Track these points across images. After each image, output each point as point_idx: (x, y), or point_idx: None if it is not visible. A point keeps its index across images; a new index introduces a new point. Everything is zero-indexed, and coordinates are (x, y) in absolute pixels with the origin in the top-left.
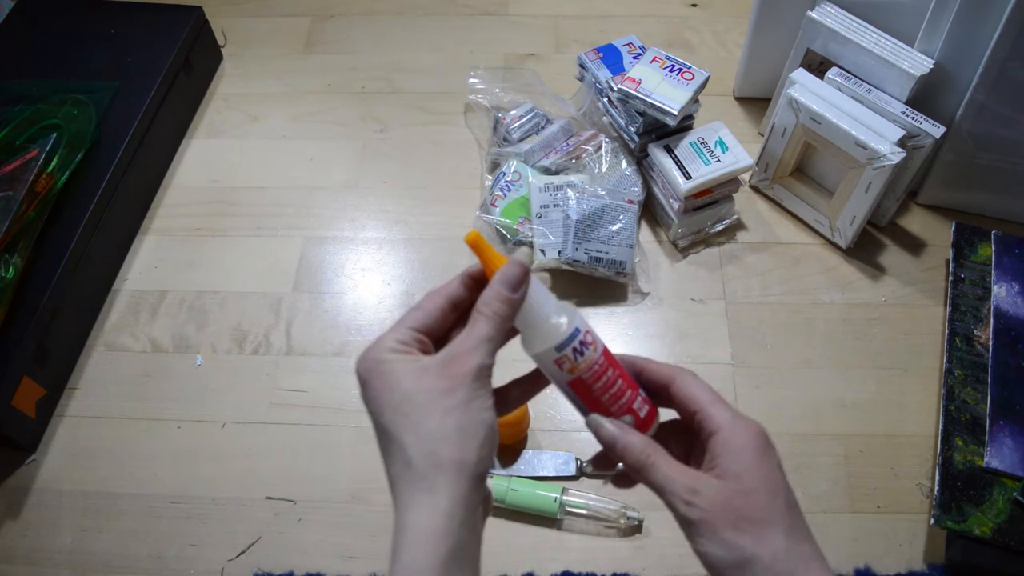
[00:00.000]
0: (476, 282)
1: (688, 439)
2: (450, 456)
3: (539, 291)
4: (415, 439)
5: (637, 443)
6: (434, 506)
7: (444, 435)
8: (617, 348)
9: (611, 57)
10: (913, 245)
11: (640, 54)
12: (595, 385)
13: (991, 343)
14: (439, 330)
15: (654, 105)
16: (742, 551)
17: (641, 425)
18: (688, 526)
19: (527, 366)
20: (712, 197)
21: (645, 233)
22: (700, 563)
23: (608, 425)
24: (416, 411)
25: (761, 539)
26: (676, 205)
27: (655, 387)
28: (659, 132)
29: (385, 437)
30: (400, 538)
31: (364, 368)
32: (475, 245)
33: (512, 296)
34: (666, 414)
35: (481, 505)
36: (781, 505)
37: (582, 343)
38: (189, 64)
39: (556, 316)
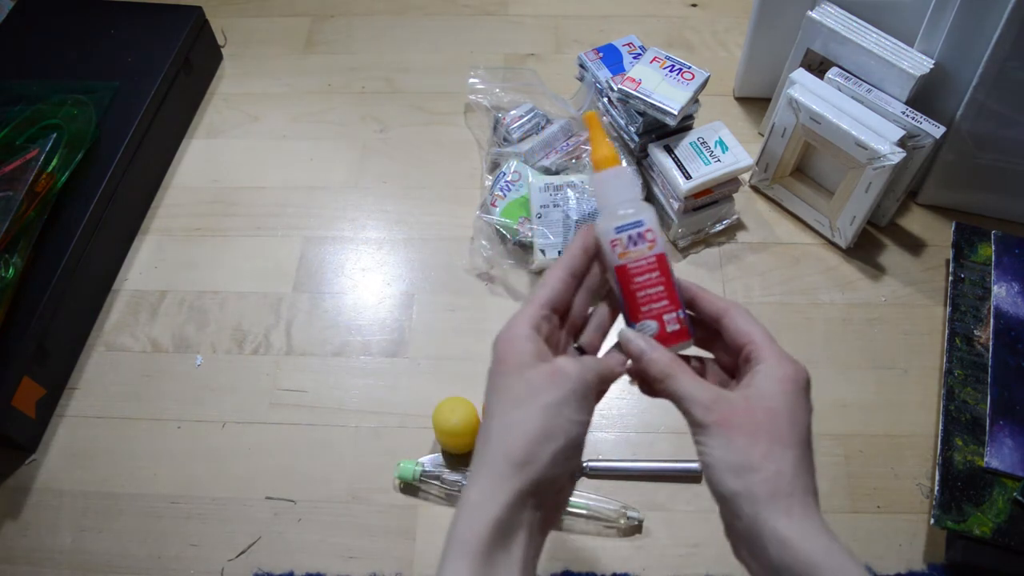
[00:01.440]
0: (588, 256)
1: (726, 378)
2: (519, 452)
3: (627, 180)
4: (500, 425)
5: (661, 357)
6: (492, 492)
7: (523, 431)
8: None
9: (611, 57)
10: (913, 245)
11: (640, 54)
12: (636, 278)
13: (991, 343)
14: (564, 302)
15: (654, 105)
16: (748, 456)
17: (663, 338)
18: (703, 431)
19: None
20: (712, 197)
21: None
22: (702, 470)
23: (636, 339)
24: (509, 406)
25: (770, 454)
26: (676, 205)
27: (707, 318)
28: (659, 132)
29: (484, 414)
30: (458, 512)
31: (497, 348)
32: (590, 122)
33: (645, 357)
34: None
35: (542, 510)
36: (799, 437)
37: (640, 235)
38: (189, 64)
39: (629, 205)
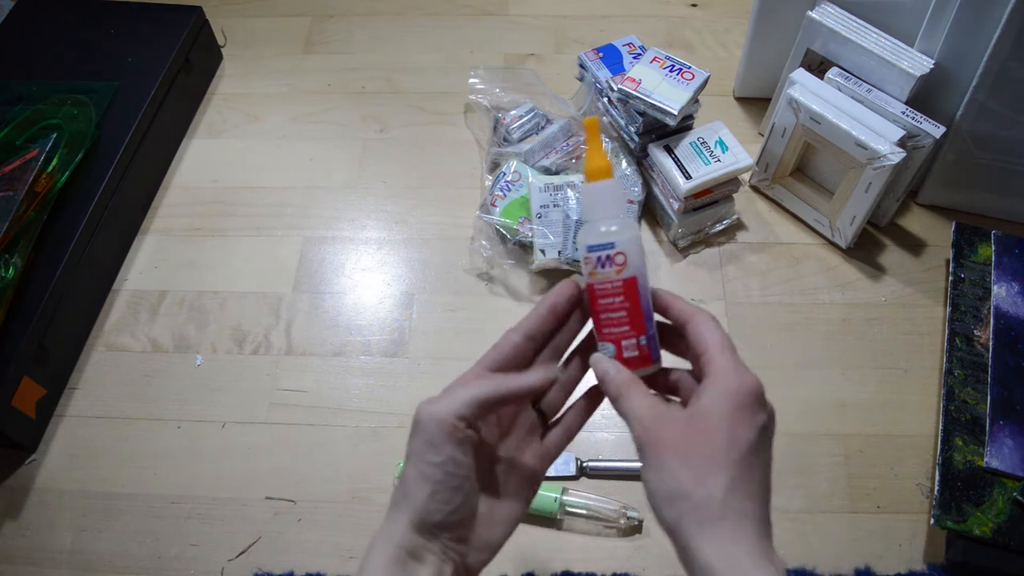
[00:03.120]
0: (556, 316)
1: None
2: (400, 501)
3: (614, 196)
4: (398, 483)
5: (617, 377)
6: (388, 539)
7: (404, 482)
8: None
9: (611, 57)
10: (913, 245)
11: (640, 54)
12: (600, 300)
13: (991, 343)
14: (512, 366)
15: (654, 105)
16: (679, 482)
17: (621, 362)
18: (640, 451)
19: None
20: (712, 197)
21: (645, 233)
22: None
23: (600, 362)
24: (405, 459)
25: (700, 478)
26: (676, 205)
27: (676, 325)
28: (659, 132)
29: None
30: (362, 561)
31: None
32: (590, 129)
33: (607, 376)
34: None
35: (440, 543)
36: (736, 458)
37: (609, 257)
38: (189, 64)
39: (612, 223)
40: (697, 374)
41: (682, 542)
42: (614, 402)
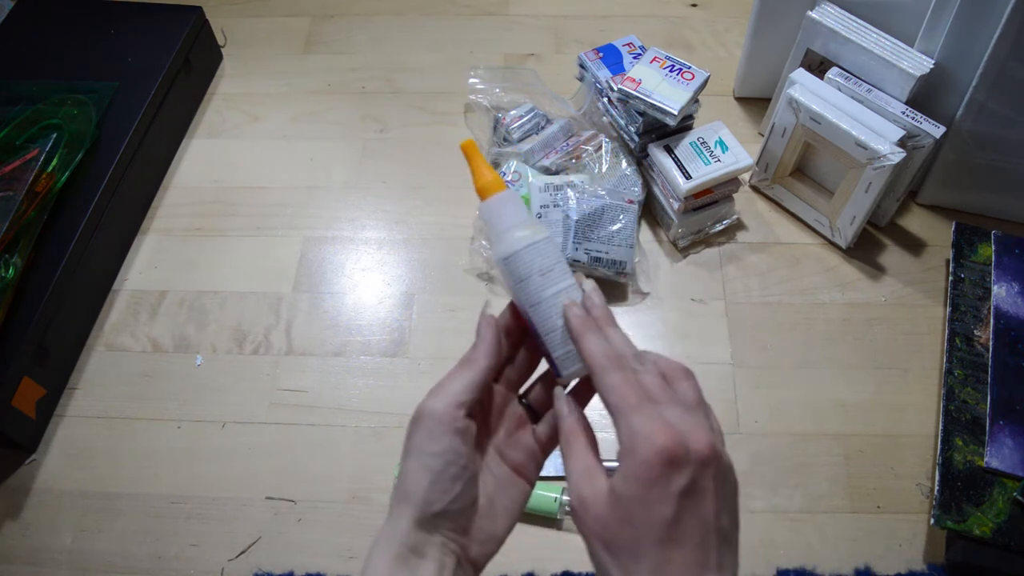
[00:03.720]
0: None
1: None
2: (401, 495)
3: (514, 205)
4: (398, 480)
5: (566, 423)
6: (391, 536)
7: (403, 477)
8: None
9: (611, 57)
10: (913, 245)
11: (640, 54)
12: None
13: (991, 343)
14: (499, 364)
15: (654, 105)
16: (608, 572)
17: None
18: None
19: None
20: (712, 197)
21: (645, 233)
22: None
23: (559, 400)
24: (403, 455)
25: (626, 569)
26: (676, 205)
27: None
28: (659, 132)
29: None
30: (365, 560)
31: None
32: (469, 149)
33: (488, 346)
34: None
35: (442, 535)
36: (656, 538)
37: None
38: (189, 64)
39: (520, 230)
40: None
41: None
42: (561, 443)
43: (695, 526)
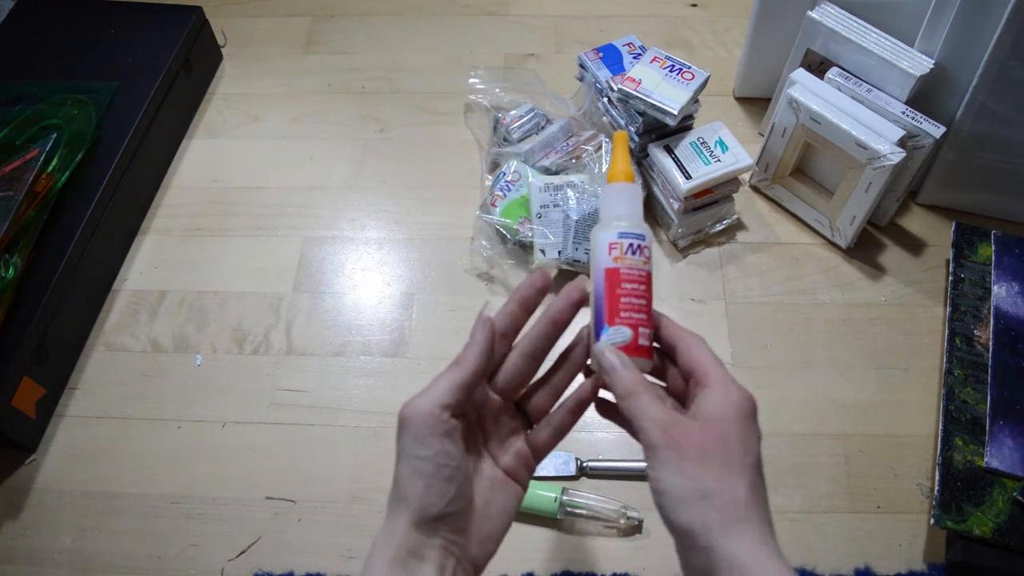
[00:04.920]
0: (527, 311)
1: (678, 405)
2: (396, 499)
3: (639, 198)
4: (399, 464)
5: (630, 375)
6: (388, 540)
7: (397, 481)
8: None
9: (611, 57)
10: (913, 245)
11: (640, 54)
12: (625, 284)
13: (991, 343)
14: (489, 367)
15: (654, 105)
16: (702, 482)
17: (633, 348)
18: (654, 454)
19: None
20: (712, 197)
21: None
22: (655, 499)
23: (610, 354)
24: (408, 440)
25: (723, 479)
26: (676, 205)
27: (665, 344)
28: (659, 132)
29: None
30: (368, 555)
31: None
32: (619, 141)
33: (482, 343)
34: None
35: (441, 538)
36: (751, 463)
37: (639, 247)
38: (189, 64)
39: (636, 219)
40: (680, 394)
41: (703, 543)
42: (621, 400)
43: (762, 470)
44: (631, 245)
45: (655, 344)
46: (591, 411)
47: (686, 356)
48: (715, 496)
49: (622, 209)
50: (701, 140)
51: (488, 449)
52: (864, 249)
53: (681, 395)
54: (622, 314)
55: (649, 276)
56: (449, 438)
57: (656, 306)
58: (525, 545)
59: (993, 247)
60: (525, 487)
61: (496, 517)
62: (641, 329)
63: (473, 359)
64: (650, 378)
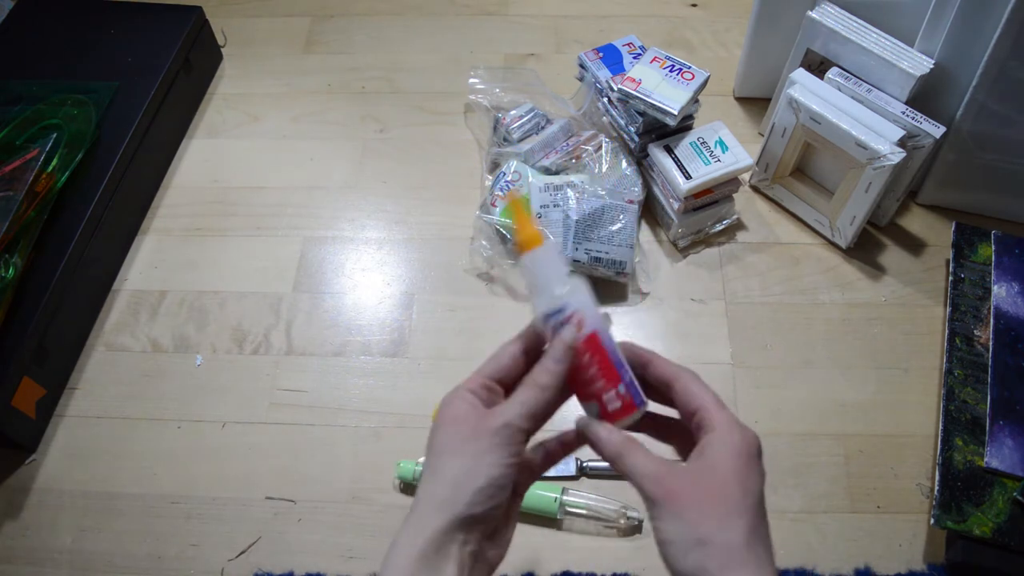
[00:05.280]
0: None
1: (689, 441)
2: (441, 495)
3: (553, 258)
4: (430, 474)
5: (611, 439)
6: (418, 534)
7: (445, 476)
8: None
9: (611, 57)
10: (913, 245)
11: (640, 54)
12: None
13: (991, 343)
14: (510, 377)
15: (654, 105)
16: (699, 530)
17: (607, 416)
18: (653, 505)
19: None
20: (712, 197)
21: (645, 233)
22: (659, 549)
23: (590, 426)
24: (441, 453)
25: (721, 525)
26: (676, 205)
27: (658, 383)
28: (659, 132)
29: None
30: (388, 551)
31: (439, 408)
32: (515, 206)
33: (556, 368)
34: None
35: (472, 545)
36: (751, 505)
37: (565, 320)
38: (189, 64)
39: (558, 287)
40: (688, 423)
41: None
42: (613, 463)
43: (765, 511)
44: (554, 327)
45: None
46: None
47: (683, 395)
48: (713, 543)
49: (539, 282)
50: (701, 140)
51: None
52: (864, 249)
53: (685, 431)
54: (582, 391)
55: (591, 338)
56: (521, 447)
57: (657, 305)
58: (525, 545)
59: (993, 247)
60: (522, 497)
61: (511, 520)
62: (605, 396)
63: (554, 387)
64: (636, 437)
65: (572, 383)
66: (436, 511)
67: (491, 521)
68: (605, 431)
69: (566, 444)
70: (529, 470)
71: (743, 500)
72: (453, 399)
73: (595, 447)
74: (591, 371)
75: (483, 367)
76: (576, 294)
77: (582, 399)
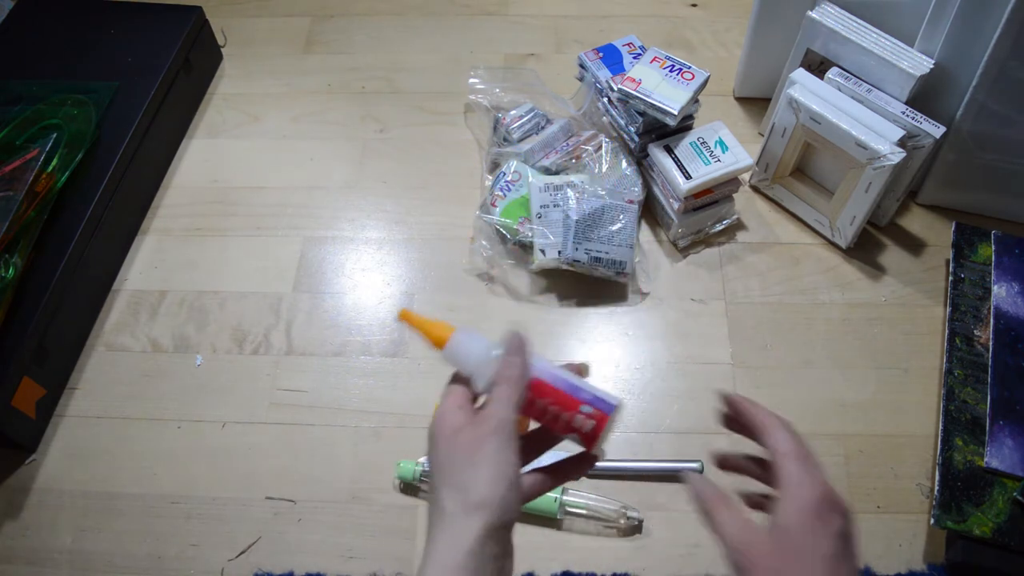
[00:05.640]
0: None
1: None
2: (474, 500)
3: (469, 342)
4: (449, 489)
5: (703, 492)
6: (456, 544)
7: (472, 483)
8: (617, 348)
9: (611, 57)
10: (913, 245)
11: (640, 54)
12: (532, 417)
13: (991, 343)
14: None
15: (654, 105)
16: None
17: (587, 439)
18: (733, 569)
19: None
20: (712, 197)
21: (645, 233)
22: None
23: (691, 481)
24: (452, 465)
25: None
26: (676, 205)
27: (752, 434)
28: (659, 132)
29: (431, 487)
30: (424, 565)
31: (431, 429)
32: (406, 319)
33: (517, 359)
34: None
35: (499, 559)
36: (824, 554)
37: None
38: (189, 64)
39: (482, 366)
40: (773, 479)
41: None
42: (703, 517)
43: (851, 564)
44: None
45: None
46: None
47: (769, 445)
48: None
49: (469, 367)
50: (701, 140)
51: None
52: (864, 249)
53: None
54: (559, 429)
55: (535, 385)
56: (518, 446)
57: (657, 305)
58: (525, 545)
59: (993, 247)
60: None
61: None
62: (576, 422)
63: (523, 377)
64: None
65: (550, 427)
66: (469, 521)
67: (511, 527)
68: (701, 484)
69: (556, 477)
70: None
71: (815, 551)
72: (444, 414)
73: (690, 497)
74: (552, 411)
75: (450, 393)
76: (496, 355)
77: (563, 433)
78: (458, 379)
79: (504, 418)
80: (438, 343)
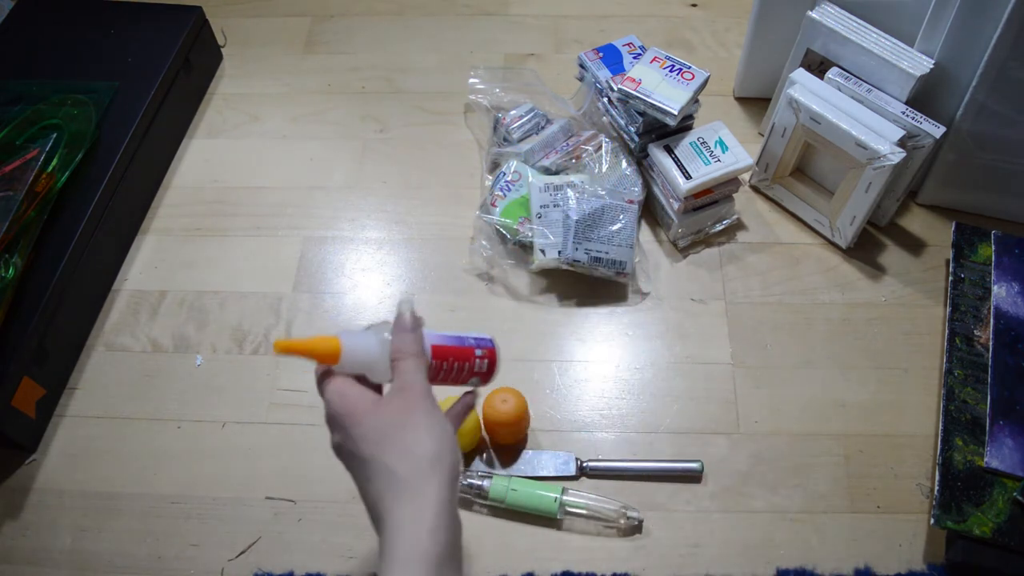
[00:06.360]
0: None
1: None
2: (427, 456)
3: (356, 342)
4: (398, 455)
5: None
6: (423, 506)
7: (416, 443)
8: (617, 348)
9: (611, 57)
10: (913, 245)
11: (640, 54)
12: (446, 381)
13: (991, 343)
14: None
15: (654, 105)
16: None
17: (485, 376)
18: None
19: (523, 364)
20: (712, 197)
21: (645, 233)
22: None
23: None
24: (388, 434)
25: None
26: (676, 205)
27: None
28: (659, 132)
29: (364, 466)
30: (392, 540)
31: (338, 410)
32: (286, 350)
33: (413, 334)
34: None
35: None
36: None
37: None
38: (189, 64)
39: (380, 351)
40: None
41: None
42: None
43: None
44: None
45: None
46: (590, 411)
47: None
48: None
49: (368, 363)
50: (701, 140)
51: None
52: (864, 249)
53: None
54: (464, 379)
55: (434, 350)
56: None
57: (657, 305)
58: (525, 545)
59: (993, 247)
60: None
61: None
62: (476, 366)
63: (420, 351)
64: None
65: (453, 383)
66: (430, 472)
67: (460, 471)
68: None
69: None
70: None
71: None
72: (345, 393)
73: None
74: (456, 366)
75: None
76: (387, 341)
77: (463, 384)
78: (326, 375)
79: (423, 383)
80: (331, 358)
